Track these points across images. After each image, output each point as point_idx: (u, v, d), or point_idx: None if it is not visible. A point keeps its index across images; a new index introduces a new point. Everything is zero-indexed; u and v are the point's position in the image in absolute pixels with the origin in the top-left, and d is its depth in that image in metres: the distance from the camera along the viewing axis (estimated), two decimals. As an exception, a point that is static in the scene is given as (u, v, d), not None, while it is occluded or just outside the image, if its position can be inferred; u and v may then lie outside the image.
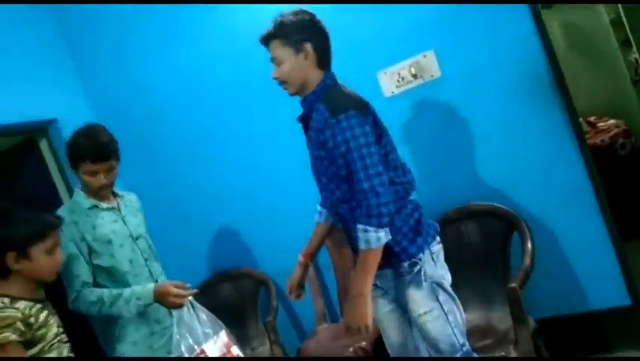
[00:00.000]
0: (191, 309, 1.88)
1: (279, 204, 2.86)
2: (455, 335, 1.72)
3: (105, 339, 2.03)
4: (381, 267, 1.66)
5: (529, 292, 2.08)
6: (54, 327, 1.61)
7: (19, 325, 1.49)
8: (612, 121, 3.75)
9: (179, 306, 1.87)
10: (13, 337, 1.46)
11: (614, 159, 3.40)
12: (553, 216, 2.35)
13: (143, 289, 1.94)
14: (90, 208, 2.01)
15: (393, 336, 1.88)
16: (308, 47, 1.68)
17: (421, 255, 1.69)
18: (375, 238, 1.57)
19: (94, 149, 1.95)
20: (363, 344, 2.34)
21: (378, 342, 2.31)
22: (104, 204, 2.05)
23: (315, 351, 2.51)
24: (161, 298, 1.90)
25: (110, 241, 1.98)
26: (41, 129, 3.09)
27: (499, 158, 2.40)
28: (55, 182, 3.18)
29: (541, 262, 2.14)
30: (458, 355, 1.72)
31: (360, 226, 1.58)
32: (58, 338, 1.63)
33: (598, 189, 2.28)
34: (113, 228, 2.02)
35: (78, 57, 3.15)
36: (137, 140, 2.92)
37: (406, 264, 1.69)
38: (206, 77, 2.87)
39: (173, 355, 1.76)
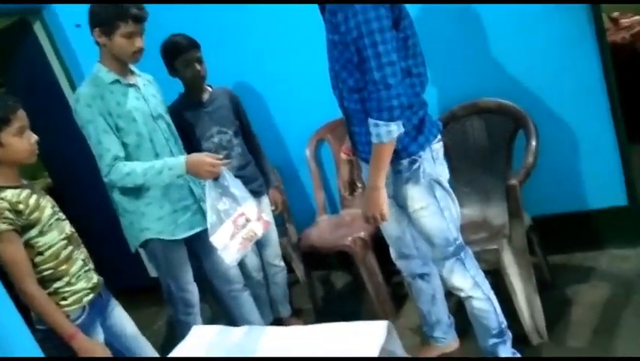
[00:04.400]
0: (225, 176, 1.88)
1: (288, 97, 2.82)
2: (450, 230, 1.76)
3: (128, 217, 2.07)
4: None
5: (529, 189, 2.09)
6: (47, 208, 1.64)
7: (7, 214, 1.51)
8: (637, 17, 3.53)
9: (214, 175, 1.86)
10: (3, 227, 1.50)
11: (633, 58, 3.25)
12: (562, 114, 2.31)
13: (176, 159, 1.94)
14: (112, 83, 1.95)
15: (390, 229, 1.93)
16: None
17: (421, 153, 1.67)
18: (386, 131, 1.53)
19: (138, 7, 1.88)
20: (362, 234, 2.41)
21: (376, 233, 2.38)
22: (125, 80, 1.99)
23: (316, 240, 2.60)
24: (194, 167, 1.89)
25: (134, 119, 1.96)
26: (35, 10, 2.97)
27: (512, 52, 2.30)
28: (51, 64, 3.11)
29: (544, 160, 2.13)
30: (451, 248, 1.77)
31: (371, 120, 1.54)
32: (55, 216, 1.67)
33: (611, 89, 2.21)
34: (135, 105, 1.98)
35: None
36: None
37: (405, 161, 1.68)
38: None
39: (208, 216, 1.78)
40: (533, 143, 2.10)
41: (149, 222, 2.03)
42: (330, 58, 1.68)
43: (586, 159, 2.36)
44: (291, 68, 2.74)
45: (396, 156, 1.65)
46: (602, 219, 2.41)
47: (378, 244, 2.36)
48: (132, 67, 2.07)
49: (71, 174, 3.44)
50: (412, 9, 2.09)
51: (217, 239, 1.77)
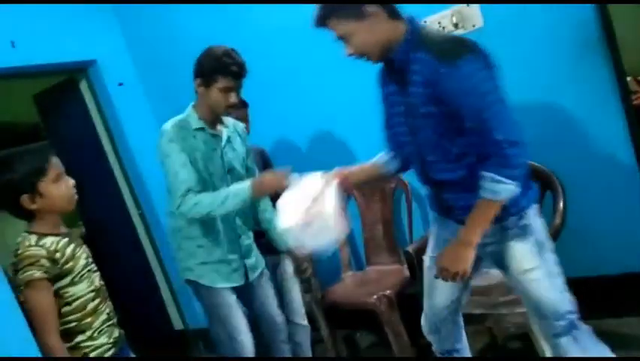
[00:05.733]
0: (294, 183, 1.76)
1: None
2: (562, 301, 1.58)
3: (181, 253, 2.11)
4: None
5: (559, 252, 2.05)
6: (82, 259, 1.65)
7: (44, 262, 1.52)
8: (663, 81, 3.55)
9: (280, 186, 1.79)
10: (37, 274, 1.50)
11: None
12: (591, 176, 2.30)
13: (240, 184, 1.95)
14: (197, 129, 2.01)
15: (440, 295, 1.78)
16: (372, 8, 1.45)
17: (529, 209, 1.57)
18: (505, 189, 1.42)
19: (239, 65, 1.95)
20: (388, 292, 2.39)
21: (403, 292, 2.36)
22: (210, 130, 2.05)
23: (340, 296, 2.59)
24: (259, 185, 1.90)
25: (206, 168, 2.01)
26: (81, 70, 3.16)
27: (538, 114, 2.33)
28: (94, 121, 3.28)
29: (575, 222, 2.11)
30: (561, 323, 1.58)
31: (489, 174, 1.42)
32: (87, 268, 1.67)
33: (639, 151, 2.21)
34: (211, 155, 2.03)
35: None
36: (175, 83, 2.93)
37: (514, 217, 1.55)
38: (246, 19, 2.85)
39: (280, 213, 1.65)
40: (560, 204, 2.09)
41: (193, 264, 2.08)
42: (420, 130, 1.55)
43: (617, 221, 2.32)
44: (318, 123, 2.82)
45: (507, 211, 1.52)
46: (636, 283, 2.33)
47: (404, 303, 2.33)
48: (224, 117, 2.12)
49: (106, 225, 3.52)
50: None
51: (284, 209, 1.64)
